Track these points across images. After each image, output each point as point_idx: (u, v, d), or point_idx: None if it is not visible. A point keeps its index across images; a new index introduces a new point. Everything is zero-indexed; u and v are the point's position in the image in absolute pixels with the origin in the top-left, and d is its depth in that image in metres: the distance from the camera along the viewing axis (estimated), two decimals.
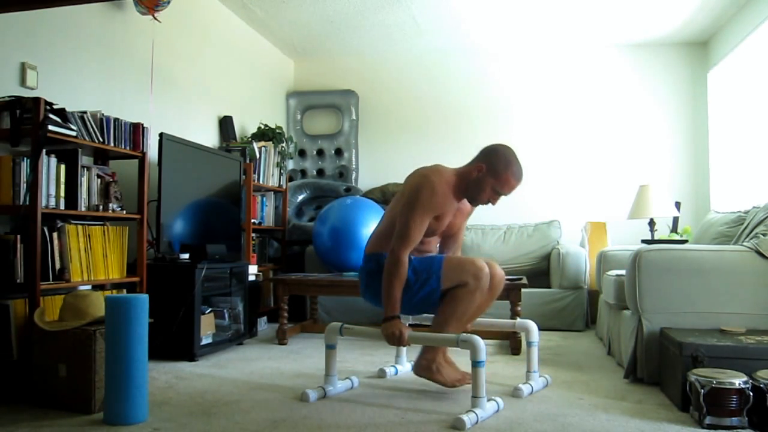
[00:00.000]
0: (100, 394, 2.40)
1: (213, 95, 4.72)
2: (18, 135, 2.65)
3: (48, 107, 2.68)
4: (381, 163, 6.05)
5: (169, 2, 3.59)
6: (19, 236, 2.62)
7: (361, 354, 3.61)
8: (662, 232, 5.03)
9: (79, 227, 2.89)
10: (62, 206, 2.82)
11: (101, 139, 3.02)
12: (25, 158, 2.65)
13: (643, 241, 4.23)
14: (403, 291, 2.54)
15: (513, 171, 2.56)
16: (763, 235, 2.86)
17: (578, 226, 5.54)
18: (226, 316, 3.79)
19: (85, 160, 3.05)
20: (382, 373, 3.04)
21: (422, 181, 2.57)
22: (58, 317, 2.60)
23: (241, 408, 2.46)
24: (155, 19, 3.64)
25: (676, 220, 4.91)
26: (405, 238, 2.50)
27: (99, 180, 3.07)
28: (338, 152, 5.99)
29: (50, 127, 2.65)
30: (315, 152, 6.03)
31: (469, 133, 5.89)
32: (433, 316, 2.69)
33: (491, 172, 2.56)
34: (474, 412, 2.26)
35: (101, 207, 3.07)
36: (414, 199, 2.53)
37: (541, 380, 2.81)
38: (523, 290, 4.00)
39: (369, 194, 5.65)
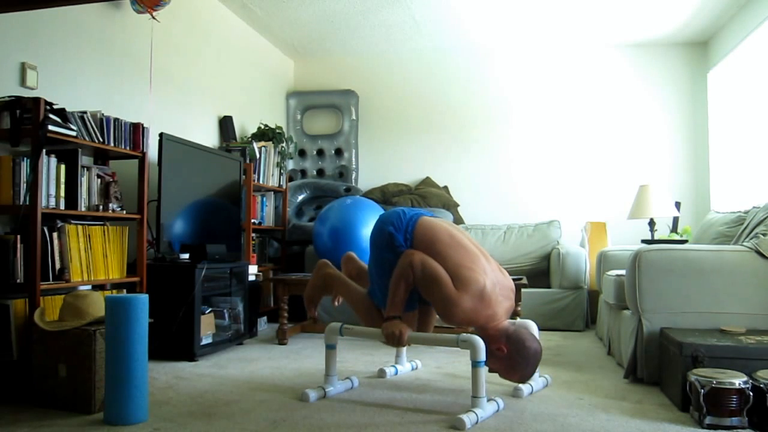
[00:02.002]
0: (100, 394, 2.40)
1: (213, 95, 4.73)
2: (18, 135, 2.65)
3: (48, 107, 2.68)
4: (381, 163, 6.05)
5: (169, 2, 3.59)
6: (19, 236, 2.62)
7: (361, 354, 3.61)
8: (662, 232, 5.03)
9: (79, 227, 2.89)
10: (62, 206, 2.82)
11: (101, 139, 3.02)
12: (25, 158, 2.65)
13: (643, 241, 4.22)
14: (383, 275, 2.59)
15: (524, 374, 2.45)
16: (763, 235, 2.86)
17: (578, 226, 5.55)
18: (226, 316, 3.79)
19: (85, 160, 3.05)
20: (382, 373, 3.04)
21: (463, 314, 2.40)
22: (58, 317, 2.60)
23: (241, 408, 2.46)
24: (153, 18, 3.64)
25: (676, 220, 4.91)
26: (421, 273, 2.46)
27: (99, 180, 3.07)
28: (338, 152, 5.99)
29: (50, 127, 2.65)
30: (315, 152, 6.03)
31: (469, 132, 5.89)
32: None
33: (508, 362, 2.44)
34: (474, 412, 2.26)
35: (101, 207, 3.07)
36: (445, 300, 2.40)
37: (541, 380, 2.81)
38: (523, 290, 4.00)
39: (369, 194, 5.65)
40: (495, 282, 2.48)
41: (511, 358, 2.42)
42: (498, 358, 2.43)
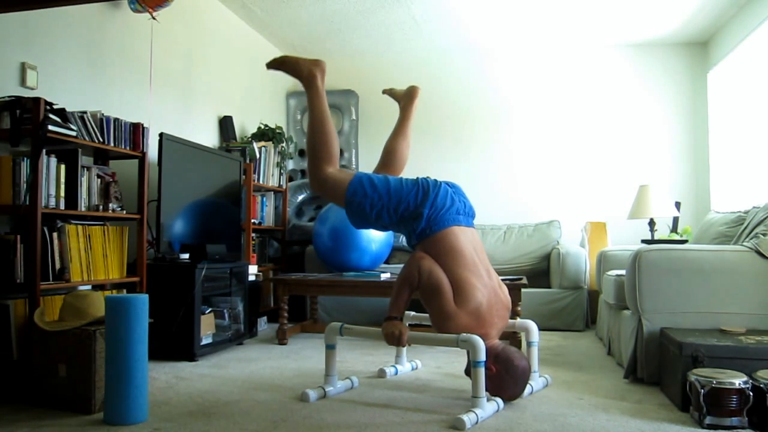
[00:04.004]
0: (100, 394, 2.40)
1: (213, 95, 4.72)
2: (18, 135, 2.64)
3: (48, 107, 2.68)
4: None
5: (171, 2, 3.59)
6: (19, 236, 2.62)
7: (361, 354, 3.61)
8: (662, 232, 5.03)
9: (79, 227, 2.89)
10: (62, 206, 2.82)
11: (101, 139, 3.02)
12: (25, 158, 2.65)
13: (643, 241, 4.23)
14: (382, 197, 2.57)
15: (514, 392, 2.47)
16: (763, 235, 2.86)
17: (578, 226, 5.55)
18: (226, 316, 3.79)
19: (85, 160, 3.05)
20: (382, 373, 3.04)
21: (456, 330, 2.43)
22: (58, 317, 2.60)
23: (241, 408, 2.46)
24: (153, 18, 3.64)
25: (676, 220, 4.91)
26: (426, 280, 2.46)
27: (99, 180, 3.07)
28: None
29: (50, 127, 2.65)
30: None
31: (469, 132, 5.90)
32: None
33: (497, 381, 2.45)
34: (474, 412, 2.26)
35: (101, 207, 3.07)
36: (442, 313, 2.44)
37: (541, 380, 2.81)
38: (523, 290, 4.00)
39: None
40: (493, 302, 2.50)
41: (501, 377, 2.44)
42: (487, 377, 2.43)
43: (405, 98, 3.11)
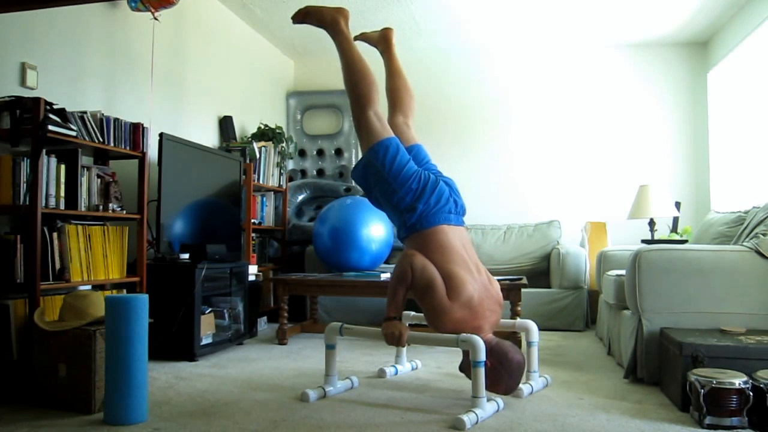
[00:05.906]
0: (100, 394, 2.40)
1: (213, 95, 4.72)
2: (18, 135, 2.65)
3: (48, 107, 2.68)
4: None
5: (176, 3, 3.58)
6: (19, 236, 2.62)
7: (361, 354, 3.61)
8: (662, 232, 5.03)
9: (79, 227, 2.89)
10: (62, 206, 2.82)
11: (101, 139, 3.02)
12: (25, 158, 2.65)
13: (643, 241, 4.23)
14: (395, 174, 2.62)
15: (508, 385, 2.47)
16: (763, 235, 2.86)
17: (578, 226, 5.55)
18: (226, 316, 3.79)
19: (85, 160, 3.05)
20: (382, 373, 3.04)
21: (451, 324, 2.45)
22: (58, 317, 2.60)
23: (241, 408, 2.46)
24: (154, 18, 3.64)
25: (676, 220, 4.91)
26: (420, 277, 2.47)
27: (99, 180, 3.07)
28: (338, 152, 5.99)
29: (50, 127, 2.65)
30: (315, 152, 6.04)
31: (469, 132, 5.89)
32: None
33: (492, 375, 2.43)
34: (474, 412, 2.26)
35: (101, 207, 3.07)
36: (437, 309, 2.44)
37: (541, 380, 2.81)
38: (523, 290, 4.00)
39: None
40: (484, 297, 2.51)
41: (495, 371, 2.43)
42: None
43: (381, 43, 3.22)
